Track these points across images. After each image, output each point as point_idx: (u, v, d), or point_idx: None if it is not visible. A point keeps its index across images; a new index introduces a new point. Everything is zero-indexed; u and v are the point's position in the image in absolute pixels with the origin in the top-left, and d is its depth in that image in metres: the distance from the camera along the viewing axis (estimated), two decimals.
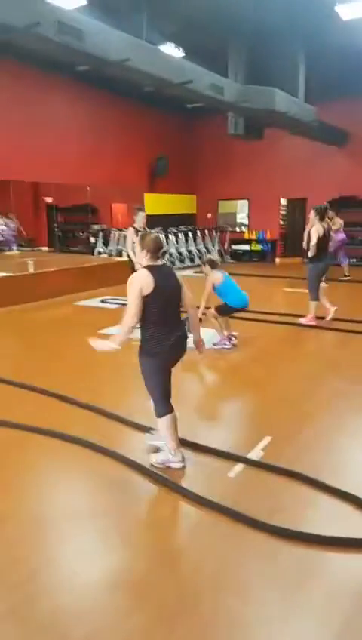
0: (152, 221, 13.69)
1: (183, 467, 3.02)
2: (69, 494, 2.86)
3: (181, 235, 13.63)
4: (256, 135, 10.28)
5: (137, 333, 2.99)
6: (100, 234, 13.49)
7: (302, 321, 6.70)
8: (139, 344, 3.00)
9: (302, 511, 2.67)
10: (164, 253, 3.10)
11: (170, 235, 13.33)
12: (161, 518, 2.67)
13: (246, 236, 15.06)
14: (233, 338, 5.79)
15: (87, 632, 1.90)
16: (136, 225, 6.57)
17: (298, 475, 2.91)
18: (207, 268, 5.61)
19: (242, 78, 8.54)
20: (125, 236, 12.96)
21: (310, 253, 6.56)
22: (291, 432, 3.53)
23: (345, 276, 10.54)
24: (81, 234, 14.68)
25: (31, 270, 8.97)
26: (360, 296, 9.18)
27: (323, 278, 7.12)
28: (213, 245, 14.37)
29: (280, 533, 2.41)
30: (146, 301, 2.86)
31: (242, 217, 15.46)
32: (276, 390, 4.43)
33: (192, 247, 13.87)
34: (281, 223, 14.69)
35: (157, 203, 14.11)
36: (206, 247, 14.22)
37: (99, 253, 13.06)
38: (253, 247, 14.81)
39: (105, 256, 12.74)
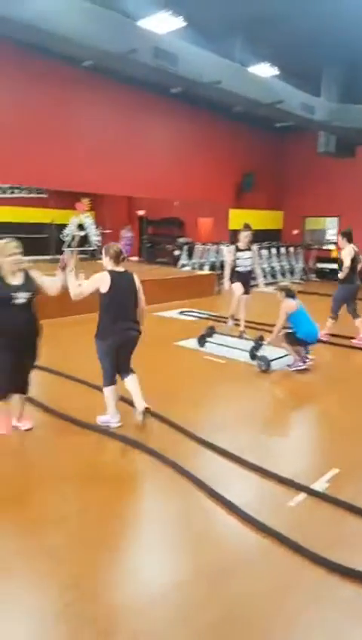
0: (236, 236, 13.78)
1: (120, 426, 3.83)
2: (131, 501, 2.97)
3: (265, 251, 13.51)
4: (347, 153, 9.97)
5: None
6: (185, 247, 13.79)
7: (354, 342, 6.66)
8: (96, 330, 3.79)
9: (360, 548, 2.54)
10: (123, 259, 3.78)
11: (262, 251, 13.26)
12: (217, 535, 2.68)
13: (334, 254, 14.55)
14: (308, 359, 5.63)
15: (135, 632, 1.96)
16: (239, 243, 6.65)
17: (359, 510, 2.78)
18: (281, 294, 5.56)
19: (335, 96, 8.36)
20: (208, 250, 13.32)
21: (341, 276, 6.65)
22: (360, 466, 3.37)
23: None
24: (167, 246, 15.10)
25: None
26: None
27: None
28: (297, 262, 14.07)
29: (335, 568, 2.32)
30: (103, 296, 3.70)
31: (332, 235, 14.99)
32: (348, 420, 4.25)
33: (275, 264, 13.68)
34: None
35: (242, 218, 14.11)
36: (290, 264, 13.97)
37: (183, 266, 13.34)
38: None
39: (188, 269, 12.98)
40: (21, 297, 3.40)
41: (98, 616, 2.08)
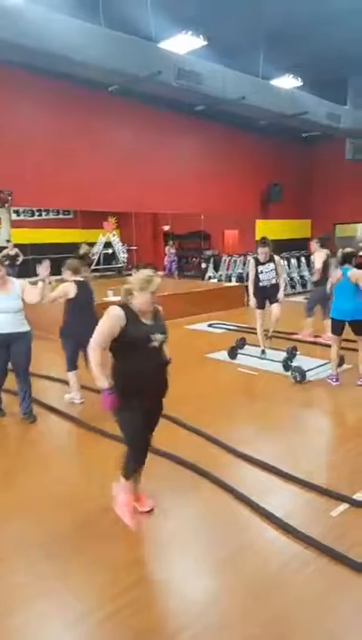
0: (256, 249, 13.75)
1: (82, 402, 4.78)
2: (173, 515, 2.99)
3: (293, 260, 13.45)
4: None
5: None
6: (211, 259, 13.86)
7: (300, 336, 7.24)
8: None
9: None
10: (87, 268, 4.52)
11: (291, 260, 13.23)
12: (259, 547, 2.67)
13: None
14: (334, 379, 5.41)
15: None
16: (258, 256, 6.57)
17: None
18: (335, 261, 5.48)
19: (361, 103, 8.34)
20: (235, 261, 13.36)
21: (314, 278, 7.14)
22: None
23: None
24: (193, 259, 15.23)
25: None
26: None
27: None
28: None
29: None
30: (69, 301, 4.67)
31: None
32: None
33: (305, 273, 13.57)
34: None
35: (269, 229, 14.13)
36: None
37: (210, 278, 13.40)
38: None
39: (215, 281, 13.03)
40: (158, 339, 2.70)
41: (142, 629, 2.11)
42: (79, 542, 2.71)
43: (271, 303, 6.25)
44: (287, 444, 3.95)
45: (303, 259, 13.58)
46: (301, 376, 5.44)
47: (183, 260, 16.20)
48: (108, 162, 10.38)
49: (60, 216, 14.60)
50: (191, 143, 12.08)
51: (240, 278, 12.76)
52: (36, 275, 4.14)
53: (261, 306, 6.32)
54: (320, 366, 5.85)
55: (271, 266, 6.16)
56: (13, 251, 12.02)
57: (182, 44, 6.88)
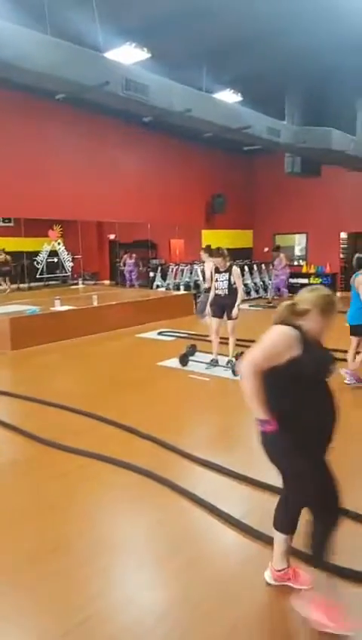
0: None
1: None
2: (130, 524, 2.99)
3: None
4: (313, 173, 10.40)
5: None
6: (159, 268, 13.96)
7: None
8: None
9: (360, 552, 2.63)
10: None
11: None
12: (216, 551, 2.73)
13: (304, 270, 14.99)
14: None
15: None
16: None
17: (356, 515, 2.88)
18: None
19: (299, 119, 8.77)
20: (183, 270, 13.53)
21: (206, 286, 7.62)
22: (354, 474, 3.47)
23: (268, 302, 12.57)
24: (140, 269, 15.26)
25: (95, 303, 9.44)
26: None
27: None
28: (270, 279, 14.40)
29: (338, 572, 2.40)
30: None
31: (300, 250, 15.46)
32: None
33: (248, 281, 14.00)
34: (342, 256, 14.54)
35: (214, 238, 14.47)
36: (262, 281, 14.32)
37: (158, 287, 13.48)
38: (311, 281, 14.68)
39: (163, 289, 13.13)
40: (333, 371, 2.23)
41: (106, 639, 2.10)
42: (32, 556, 2.65)
43: (228, 317, 6.26)
44: (242, 447, 4.06)
45: (246, 268, 14.01)
46: None
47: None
48: (54, 170, 10.26)
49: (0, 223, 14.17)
50: (137, 152, 12.17)
51: (188, 287, 12.94)
52: None
53: (214, 314, 6.40)
54: None
55: (226, 276, 6.18)
56: None
57: (127, 55, 6.98)
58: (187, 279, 13.34)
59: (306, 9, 6.28)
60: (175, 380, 6.05)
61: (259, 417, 2.09)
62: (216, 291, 6.29)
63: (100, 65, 5.52)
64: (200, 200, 14.09)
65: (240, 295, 6.21)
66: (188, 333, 8.64)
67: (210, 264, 7.25)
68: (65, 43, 5.08)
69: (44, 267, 14.62)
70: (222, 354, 6.47)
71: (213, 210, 14.28)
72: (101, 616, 2.21)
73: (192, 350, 6.88)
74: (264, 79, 8.66)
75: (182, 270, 13.53)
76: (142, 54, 7.16)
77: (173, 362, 6.61)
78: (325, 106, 8.97)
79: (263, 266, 14.57)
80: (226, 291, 6.18)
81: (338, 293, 14.24)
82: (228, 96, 8.56)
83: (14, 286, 13.77)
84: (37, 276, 14.42)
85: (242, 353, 6.50)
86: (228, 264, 6.21)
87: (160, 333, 8.85)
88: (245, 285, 13.79)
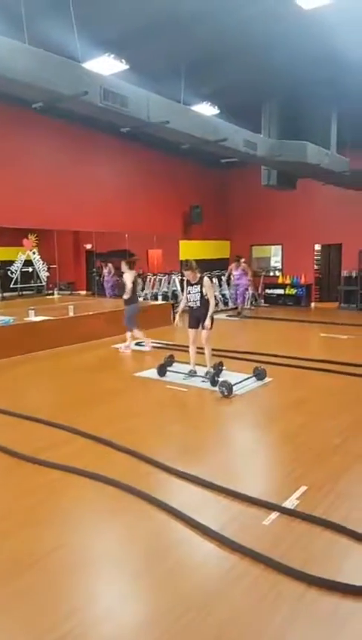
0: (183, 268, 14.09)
1: None
2: (107, 537, 2.92)
3: (214, 280, 13.89)
4: (289, 185, 10.57)
5: None
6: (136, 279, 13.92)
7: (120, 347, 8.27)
8: None
9: (336, 560, 2.64)
10: None
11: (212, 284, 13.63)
12: (195, 562, 2.69)
13: (280, 280, 15.19)
14: None
15: None
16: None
17: (331, 524, 2.89)
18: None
19: (275, 133, 8.92)
20: (160, 280, 13.54)
21: (125, 297, 8.09)
22: (327, 483, 3.50)
23: (238, 313, 12.48)
24: (117, 279, 15.17)
25: (70, 314, 9.32)
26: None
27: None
28: (247, 289, 14.52)
29: (314, 581, 2.40)
30: None
31: (276, 262, 15.67)
32: (312, 439, 4.40)
33: (226, 292, 14.08)
34: (316, 267, 14.79)
35: (191, 249, 14.56)
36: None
37: None
38: (287, 292, 14.89)
39: (141, 300, 13.07)
40: None
41: None
42: (5, 574, 2.56)
43: (202, 327, 6.26)
44: (219, 458, 4.03)
45: (223, 278, 14.10)
46: (228, 390, 5.60)
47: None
48: (29, 178, 10.16)
49: None
50: (115, 163, 12.19)
51: (166, 297, 12.93)
52: None
53: (190, 326, 6.42)
54: (246, 380, 6.08)
55: (197, 288, 6.19)
56: None
57: (106, 66, 7.00)
58: (165, 289, 13.35)
59: (282, 24, 6.43)
60: (152, 391, 6.00)
61: None
62: (189, 303, 6.31)
63: (78, 74, 5.51)
64: (178, 211, 14.17)
65: (212, 306, 6.19)
66: (166, 344, 8.61)
67: (130, 275, 7.97)
68: (42, 52, 5.05)
69: (19, 277, 14.41)
70: (199, 364, 6.45)
71: (191, 220, 14.37)
72: (79, 632, 2.15)
73: (170, 361, 6.85)
74: (241, 93, 8.80)
75: (160, 280, 13.53)
76: (121, 66, 7.20)
77: (151, 373, 6.57)
78: (300, 120, 9.15)
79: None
80: (198, 303, 6.20)
81: (313, 304, 14.49)
82: (206, 109, 8.67)
83: None
84: (11, 286, 14.19)
85: (220, 363, 6.54)
86: (198, 276, 6.22)
87: (137, 344, 8.78)
88: (223, 295, 13.89)
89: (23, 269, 14.54)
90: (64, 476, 3.64)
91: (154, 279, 13.61)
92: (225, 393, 5.59)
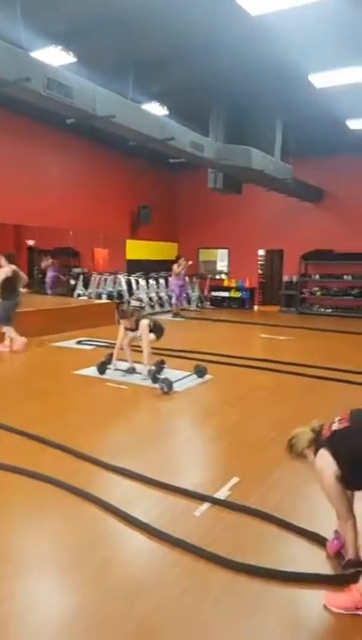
0: (133, 266, 14.02)
1: None
2: (37, 533, 2.82)
3: (162, 281, 13.93)
4: (234, 190, 10.79)
5: None
6: (81, 277, 13.67)
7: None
8: None
9: (264, 548, 2.68)
10: None
11: (150, 280, 13.62)
12: (126, 555, 2.65)
13: (225, 284, 15.45)
14: None
15: None
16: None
17: (260, 513, 2.94)
18: None
19: (222, 136, 9.07)
20: (106, 279, 13.36)
21: None
22: (260, 475, 3.56)
23: (175, 314, 12.45)
24: (61, 276, 14.83)
25: None
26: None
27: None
28: (193, 291, 14.66)
29: (240, 569, 2.42)
30: None
31: (222, 266, 15.93)
32: (246, 433, 4.48)
33: (162, 293, 14.09)
34: (260, 272, 15.18)
35: (138, 249, 14.51)
36: (186, 293, 14.50)
37: (79, 295, 13.19)
38: (232, 295, 15.17)
39: (84, 298, 12.86)
40: None
41: None
42: None
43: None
44: (155, 452, 4.01)
45: (170, 279, 14.13)
46: (168, 387, 5.60)
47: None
48: None
49: None
50: (62, 157, 11.93)
51: (111, 296, 12.79)
52: None
53: (127, 328, 6.39)
54: (186, 377, 6.11)
55: (137, 333, 6.22)
56: None
57: (52, 58, 6.84)
58: (110, 289, 13.19)
59: (229, 30, 6.54)
60: (91, 389, 5.89)
61: None
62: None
63: (21, 60, 5.36)
64: (126, 210, 14.08)
65: (147, 353, 6.15)
66: (109, 342, 8.48)
67: (4, 271, 7.56)
68: None
69: None
70: (138, 361, 6.42)
71: (139, 220, 14.32)
72: (2, 624, 2.06)
73: (110, 359, 6.76)
74: (189, 95, 8.90)
75: (105, 279, 13.36)
76: (68, 58, 7.07)
77: (91, 371, 6.45)
78: (247, 126, 9.37)
79: (187, 278, 14.77)
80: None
81: (256, 307, 14.85)
82: (155, 109, 8.69)
83: None
84: None
85: (162, 361, 6.53)
86: (134, 320, 6.18)
87: (79, 342, 8.61)
88: (169, 297, 13.89)
89: None
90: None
91: (100, 278, 13.42)
92: (165, 390, 5.58)
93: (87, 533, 2.80)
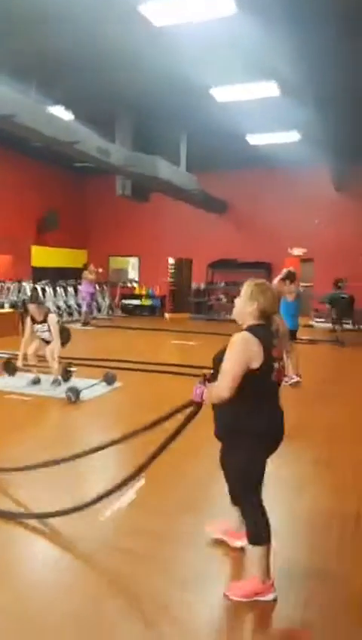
0: (40, 273, 13.49)
1: None
2: None
3: (70, 289, 13.58)
4: (143, 198, 10.88)
5: None
6: None
7: None
8: None
9: None
10: None
11: (57, 288, 13.23)
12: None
13: (136, 291, 15.46)
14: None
15: None
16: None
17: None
18: (286, 282, 6.40)
19: (129, 144, 9.12)
20: (9, 288, 12.68)
21: None
22: (160, 475, 3.56)
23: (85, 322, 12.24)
24: None
25: None
26: None
27: None
28: (104, 299, 14.48)
29: None
30: None
31: (133, 274, 15.93)
32: (156, 438, 4.45)
33: (72, 301, 13.78)
34: (170, 280, 15.40)
35: (45, 256, 14.02)
36: (96, 301, 14.28)
37: None
38: (143, 302, 15.20)
39: None
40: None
41: None
42: None
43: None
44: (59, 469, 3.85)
45: (79, 287, 13.81)
46: (75, 395, 5.43)
47: None
48: None
49: None
50: None
51: (14, 305, 12.17)
52: None
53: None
54: (95, 385, 5.98)
55: (45, 327, 5.90)
56: None
57: None
58: (14, 297, 12.53)
59: (134, 40, 6.59)
60: None
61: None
62: (42, 338, 6.04)
63: None
64: (32, 215, 13.57)
65: (57, 348, 5.94)
66: (11, 353, 8.05)
67: None
68: None
69: None
70: (44, 371, 6.16)
71: (46, 226, 13.86)
72: None
73: (11, 369, 6.41)
74: (95, 101, 8.82)
75: (9, 288, 12.69)
76: None
77: None
78: (153, 136, 9.52)
79: (97, 286, 14.56)
80: (51, 338, 5.94)
81: (167, 315, 15.02)
82: (61, 113, 8.50)
83: None
84: None
85: (70, 369, 6.32)
86: (43, 313, 5.94)
87: None
88: (78, 305, 13.56)
89: None
90: None
91: (2, 286, 12.71)
92: (73, 399, 5.41)
93: None
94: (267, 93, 7.84)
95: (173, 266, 15.52)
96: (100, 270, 15.56)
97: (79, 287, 13.01)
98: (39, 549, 2.63)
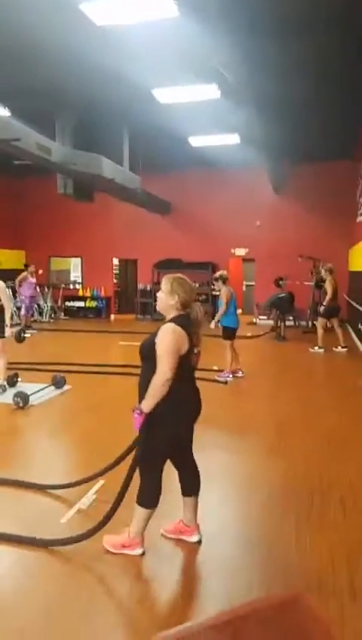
0: None
1: None
2: None
3: (8, 291, 13.06)
4: (86, 197, 10.69)
5: None
6: None
7: None
8: None
9: None
10: None
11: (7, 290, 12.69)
12: None
13: (80, 293, 15.18)
14: (240, 372, 6.73)
15: None
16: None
17: None
18: (219, 283, 6.59)
19: (70, 142, 8.94)
20: None
21: None
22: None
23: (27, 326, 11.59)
24: None
25: None
26: None
27: None
28: (46, 302, 14.10)
29: None
30: None
31: (76, 275, 15.61)
32: (108, 439, 4.42)
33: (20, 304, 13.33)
34: (115, 281, 15.26)
35: None
36: (37, 304, 13.86)
37: None
38: (87, 304, 14.96)
39: None
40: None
41: None
42: None
43: None
44: (11, 468, 3.73)
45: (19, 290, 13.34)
46: (23, 401, 5.26)
47: None
48: None
49: None
50: None
51: None
52: None
53: None
54: (43, 389, 5.83)
55: None
56: None
57: None
58: None
59: (75, 37, 6.46)
60: None
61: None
62: None
63: None
64: None
65: (8, 315, 5.90)
66: None
67: None
68: None
69: None
70: None
71: None
72: None
73: None
74: (33, 98, 8.55)
75: None
76: None
77: None
78: (96, 134, 9.38)
79: (37, 288, 14.14)
80: None
81: (113, 316, 14.88)
82: None
83: None
84: None
85: (16, 375, 6.11)
86: None
87: None
88: (17, 309, 13.08)
89: None
90: None
91: None
92: (21, 404, 5.24)
93: None
94: (208, 95, 7.97)
95: (117, 267, 15.39)
96: (40, 272, 15.14)
97: (18, 289, 12.49)
98: None
